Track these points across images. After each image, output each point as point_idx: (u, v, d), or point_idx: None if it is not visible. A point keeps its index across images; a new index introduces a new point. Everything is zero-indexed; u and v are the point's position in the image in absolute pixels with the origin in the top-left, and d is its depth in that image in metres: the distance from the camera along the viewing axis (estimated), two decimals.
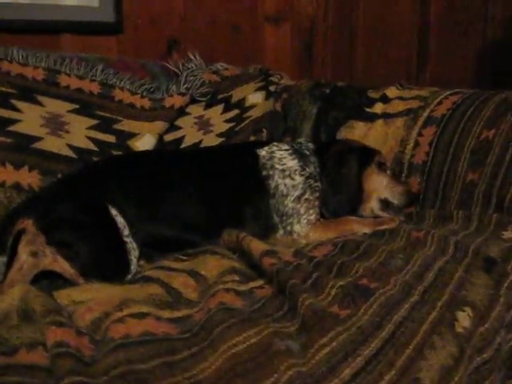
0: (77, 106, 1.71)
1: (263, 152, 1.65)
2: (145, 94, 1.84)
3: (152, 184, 1.52)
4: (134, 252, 1.45)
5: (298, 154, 1.67)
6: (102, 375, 0.94)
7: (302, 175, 1.63)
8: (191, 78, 1.97)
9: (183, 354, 0.99)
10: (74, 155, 1.66)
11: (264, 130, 2.10)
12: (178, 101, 1.89)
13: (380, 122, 1.96)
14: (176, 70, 2.01)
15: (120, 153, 1.72)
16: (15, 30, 1.93)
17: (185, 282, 1.30)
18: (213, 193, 1.59)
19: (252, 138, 2.04)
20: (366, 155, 1.69)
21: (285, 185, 1.60)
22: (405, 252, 1.40)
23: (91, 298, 1.21)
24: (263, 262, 1.32)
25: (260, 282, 1.28)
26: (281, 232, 1.62)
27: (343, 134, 2.00)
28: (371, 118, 1.97)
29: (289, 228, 1.59)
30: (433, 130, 1.82)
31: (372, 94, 2.05)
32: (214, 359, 0.97)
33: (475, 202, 1.69)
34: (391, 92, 2.01)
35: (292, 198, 1.60)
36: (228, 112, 2.03)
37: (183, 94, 1.92)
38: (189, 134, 1.91)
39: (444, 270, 1.32)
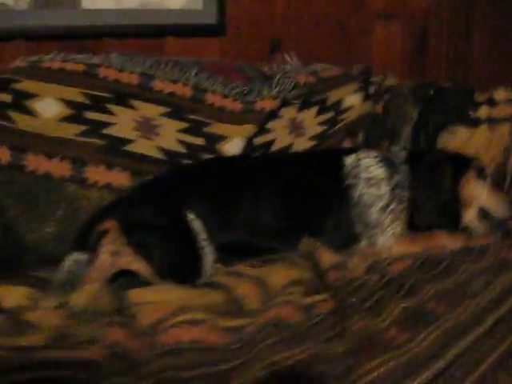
0: (168, 110, 1.75)
1: (349, 160, 1.60)
2: (237, 97, 1.85)
3: (231, 190, 1.56)
4: (209, 256, 1.49)
5: (386, 161, 1.60)
6: (148, 379, 0.97)
7: (388, 185, 1.56)
8: (284, 80, 1.95)
9: (226, 365, 1.01)
10: (163, 157, 1.72)
11: (360, 133, 2.01)
12: (268, 104, 1.88)
13: (484, 127, 1.82)
14: (271, 72, 1.97)
15: (209, 156, 1.75)
16: (120, 34, 2.03)
17: (249, 290, 1.32)
18: (293, 200, 1.58)
19: (346, 141, 1.99)
20: (462, 162, 1.60)
21: (370, 194, 1.55)
22: (488, 274, 1.34)
23: (162, 299, 1.29)
24: (328, 276, 1.32)
25: (324, 296, 1.26)
26: (363, 243, 1.56)
27: (444, 139, 1.87)
28: (475, 122, 1.84)
29: (372, 239, 1.54)
30: None
31: (478, 97, 1.90)
32: (251, 374, 0.96)
33: None
34: (499, 94, 1.86)
35: (377, 209, 1.54)
36: (322, 114, 1.97)
37: (274, 97, 1.89)
38: (279, 137, 1.89)
39: None
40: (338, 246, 1.52)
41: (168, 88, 1.81)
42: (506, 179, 1.72)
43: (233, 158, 1.77)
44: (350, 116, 2.01)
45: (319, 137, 1.96)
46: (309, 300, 1.25)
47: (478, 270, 1.36)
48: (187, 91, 1.83)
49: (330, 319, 1.16)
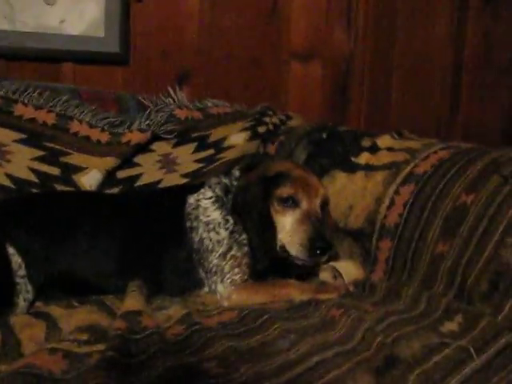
0: (24, 136, 1.68)
1: (191, 199, 1.55)
2: (106, 127, 1.77)
3: (61, 226, 1.49)
4: (25, 294, 1.42)
5: (220, 202, 1.54)
6: None
7: (226, 229, 1.50)
8: (158, 114, 1.87)
9: None
10: (12, 185, 1.66)
11: None
12: (135, 137, 1.82)
13: (361, 174, 1.77)
14: (149, 104, 1.90)
15: (64, 187, 1.68)
16: (14, 57, 2.00)
17: (33, 333, 1.23)
18: (128, 241, 1.51)
19: None
20: (273, 188, 1.49)
21: (210, 239, 1.50)
22: (302, 333, 1.25)
23: None
24: (116, 324, 1.19)
25: (103, 347, 1.15)
26: (206, 289, 1.51)
27: (325, 183, 1.75)
28: (353, 168, 1.79)
29: (213, 287, 1.49)
30: (411, 188, 1.62)
31: (364, 142, 1.84)
32: None
33: (439, 279, 1.44)
34: (383, 141, 1.81)
35: (217, 255, 1.48)
36: (201, 152, 1.94)
37: (143, 131, 1.84)
38: (148, 172, 1.85)
39: (326, 362, 1.13)
40: (180, 290, 1.49)
41: (29, 113, 1.74)
42: (374, 230, 1.67)
43: (69, 192, 1.71)
44: (230, 155, 1.95)
45: (193, 174, 1.90)
46: (86, 349, 1.12)
47: (292, 328, 1.27)
48: (50, 118, 1.78)
49: (94, 371, 1.04)
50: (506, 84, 2.14)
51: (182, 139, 1.92)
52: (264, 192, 1.46)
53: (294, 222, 1.46)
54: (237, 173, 1.60)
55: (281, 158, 1.86)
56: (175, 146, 1.91)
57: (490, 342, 1.13)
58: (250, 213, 1.45)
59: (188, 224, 1.51)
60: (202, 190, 1.56)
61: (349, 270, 1.58)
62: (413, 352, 1.12)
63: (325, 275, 1.60)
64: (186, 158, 1.91)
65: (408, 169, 1.66)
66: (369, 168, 1.76)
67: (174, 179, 1.86)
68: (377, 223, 1.65)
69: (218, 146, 1.96)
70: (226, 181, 1.58)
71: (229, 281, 1.47)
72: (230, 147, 1.96)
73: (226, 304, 1.44)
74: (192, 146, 1.94)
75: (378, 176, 1.72)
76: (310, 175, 1.55)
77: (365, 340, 1.19)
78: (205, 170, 1.90)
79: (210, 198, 1.54)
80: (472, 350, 1.11)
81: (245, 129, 1.99)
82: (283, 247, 1.47)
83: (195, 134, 1.94)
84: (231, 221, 1.51)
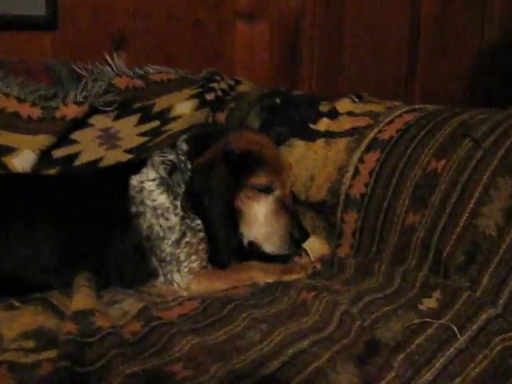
0: None
1: (134, 181, 1.42)
2: (37, 101, 1.62)
3: None
4: None
5: (165, 184, 1.43)
6: None
7: (176, 214, 1.40)
8: (95, 84, 1.74)
9: None
10: None
11: None
12: (71, 111, 1.67)
13: (321, 141, 1.70)
14: (84, 73, 1.76)
15: None
16: None
17: None
18: (69, 229, 1.38)
19: None
20: (245, 172, 1.38)
21: (160, 226, 1.40)
22: (270, 323, 1.17)
23: None
24: (65, 326, 1.07)
25: (53, 354, 1.02)
26: (161, 279, 1.42)
27: (283, 153, 1.65)
28: (313, 136, 1.72)
29: (169, 277, 1.40)
30: (376, 155, 1.56)
31: (322, 107, 1.77)
32: None
33: (412, 252, 1.40)
34: (342, 105, 1.74)
35: (170, 242, 1.39)
36: (145, 124, 1.81)
37: (79, 104, 1.69)
38: (87, 149, 1.71)
39: (303, 353, 1.06)
40: (134, 281, 1.40)
41: None
42: (339, 201, 1.61)
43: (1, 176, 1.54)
44: (177, 126, 1.84)
45: (137, 149, 1.77)
46: (32, 359, 1.00)
47: (265, 315, 1.20)
48: None
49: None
50: (466, 38, 2.07)
51: (123, 111, 1.80)
52: (230, 176, 1.35)
53: (270, 213, 1.39)
54: (183, 146, 1.47)
55: (238, 129, 1.75)
56: (116, 118, 1.79)
57: (472, 318, 1.11)
58: (213, 200, 1.34)
59: (133, 209, 1.40)
60: (144, 170, 1.44)
61: (313, 246, 1.50)
62: (394, 335, 1.09)
63: None
64: (129, 131, 1.79)
65: (372, 134, 1.60)
66: (329, 135, 1.69)
67: (116, 156, 1.74)
68: (341, 194, 1.59)
69: (164, 117, 1.84)
70: (171, 156, 1.46)
71: (186, 269, 1.39)
72: (176, 117, 1.86)
73: (185, 294, 1.36)
74: (135, 117, 1.81)
75: (340, 143, 1.66)
76: (280, 153, 1.47)
77: (342, 325, 1.13)
78: (150, 144, 1.79)
79: (154, 179, 1.43)
80: (455, 328, 1.09)
81: (191, 96, 1.90)
82: (252, 242, 1.40)
83: (138, 105, 1.82)
84: (180, 206, 1.41)
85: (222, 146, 1.39)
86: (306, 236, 1.39)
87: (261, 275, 1.39)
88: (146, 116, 1.82)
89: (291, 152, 1.73)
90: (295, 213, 1.42)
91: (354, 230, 1.55)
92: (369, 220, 1.52)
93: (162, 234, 1.39)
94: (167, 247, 1.39)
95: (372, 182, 1.54)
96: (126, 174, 1.44)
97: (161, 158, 1.45)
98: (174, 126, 1.83)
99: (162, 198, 1.41)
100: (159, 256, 1.40)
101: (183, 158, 1.44)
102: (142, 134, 1.81)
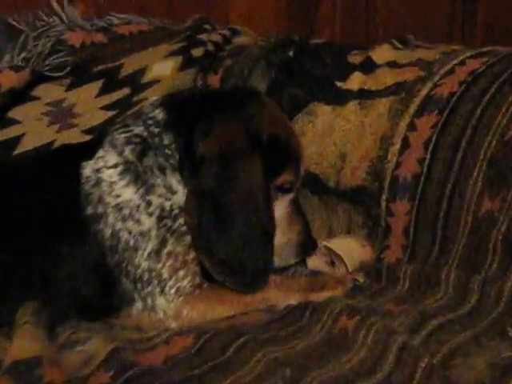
0: None
1: (88, 170, 1.35)
2: None
3: None
4: None
5: (133, 171, 1.35)
6: None
7: (150, 214, 1.33)
8: (39, 41, 1.70)
9: None
10: None
11: None
12: (6, 79, 1.63)
13: (353, 105, 1.68)
14: (24, 28, 1.72)
15: None
16: None
17: None
18: (5, 243, 1.33)
19: None
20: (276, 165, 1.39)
21: (129, 232, 1.33)
22: (301, 363, 1.09)
23: None
24: None
25: None
26: (139, 306, 1.35)
27: (300, 124, 1.73)
28: (342, 98, 1.70)
29: (149, 301, 1.33)
30: (432, 119, 1.51)
31: (353, 58, 1.75)
32: None
33: (491, 252, 1.33)
34: (381, 54, 1.71)
35: (145, 254, 1.33)
36: (110, 93, 1.78)
37: (18, 69, 1.66)
38: (32, 131, 1.67)
39: None
40: (98, 313, 1.34)
41: None
42: (383, 187, 1.56)
43: None
44: (154, 94, 1.73)
45: (102, 129, 1.67)
46: None
47: (284, 357, 1.10)
48: None
49: None
50: None
51: (78, 77, 1.76)
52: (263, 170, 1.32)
53: (284, 218, 1.42)
54: (158, 113, 1.39)
55: (240, 89, 1.67)
56: (70, 87, 1.74)
57: None
58: (241, 204, 1.30)
59: (89, 210, 1.33)
60: (101, 153, 1.36)
61: (350, 249, 1.49)
62: (477, 375, 1.01)
63: (315, 262, 1.51)
64: (88, 104, 1.75)
65: (424, 91, 1.56)
66: (365, 95, 1.67)
67: (72, 138, 1.67)
68: (385, 177, 1.55)
69: (136, 83, 1.80)
70: (138, 130, 1.38)
71: (173, 290, 1.33)
72: (152, 83, 1.82)
73: (173, 325, 1.31)
74: (95, 85, 1.77)
75: (380, 106, 1.62)
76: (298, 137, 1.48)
77: (402, 364, 1.04)
78: (119, 120, 1.67)
79: (115, 166, 1.35)
80: None
81: (172, 53, 1.85)
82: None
83: (99, 68, 1.78)
84: (155, 201, 1.33)
85: (241, 122, 1.35)
86: (315, 246, 1.45)
87: (280, 295, 1.35)
88: (111, 82, 1.78)
89: (313, 122, 1.71)
90: (306, 216, 1.46)
91: (406, 225, 1.50)
92: (426, 210, 1.48)
93: (132, 242, 1.32)
94: (142, 261, 1.32)
95: (428, 158, 1.49)
96: (75, 160, 1.37)
97: (124, 135, 1.37)
98: (151, 94, 1.75)
99: (128, 193, 1.34)
100: (133, 274, 1.33)
101: (157, 129, 1.36)
102: (107, 108, 1.77)
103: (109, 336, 1.24)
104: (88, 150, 1.38)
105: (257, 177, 1.32)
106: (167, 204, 1.34)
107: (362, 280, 1.40)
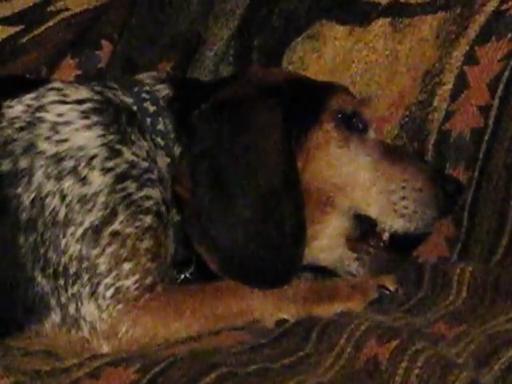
0: None
1: (17, 108, 1.37)
2: None
3: None
4: None
5: (110, 112, 1.40)
6: None
7: (107, 170, 1.35)
8: None
9: None
10: None
11: None
12: None
13: (382, 24, 1.69)
14: None
15: None
16: None
17: None
18: None
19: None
20: (307, 98, 1.45)
21: (62, 197, 1.33)
22: None
23: None
24: None
25: None
26: (56, 317, 1.32)
27: (299, 54, 1.78)
28: (364, 14, 1.72)
29: (72, 310, 1.31)
30: (503, 49, 1.53)
31: None
32: None
33: None
34: None
35: (79, 232, 1.32)
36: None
37: None
38: None
39: None
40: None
41: None
42: (426, 147, 1.58)
43: None
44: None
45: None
46: None
47: None
48: None
49: None
50: None
51: None
52: (289, 109, 1.40)
53: (383, 158, 1.45)
54: (163, 90, 1.49)
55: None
56: None
57: None
58: (258, 163, 1.36)
59: (5, 165, 1.35)
60: (56, 85, 1.42)
61: None
62: None
63: None
64: None
65: (492, 4, 1.57)
66: (398, 12, 1.70)
67: None
68: (430, 131, 1.58)
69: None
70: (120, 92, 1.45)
71: (110, 292, 1.31)
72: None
73: (105, 348, 1.30)
74: None
75: (424, 26, 1.66)
76: None
77: None
78: (23, 40, 1.75)
79: (81, 101, 1.40)
80: None
81: None
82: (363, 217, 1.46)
83: None
84: (125, 155, 1.36)
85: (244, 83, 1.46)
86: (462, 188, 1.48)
87: (268, 306, 1.34)
88: None
89: (319, 51, 1.76)
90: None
91: (459, 206, 1.50)
92: (491, 184, 1.49)
93: (62, 213, 1.33)
94: (72, 243, 1.32)
95: (496, 105, 1.49)
96: None
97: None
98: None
99: (84, 136, 1.37)
100: (53, 264, 1.32)
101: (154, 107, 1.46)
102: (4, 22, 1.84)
103: (3, 366, 1.20)
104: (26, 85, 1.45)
105: (273, 128, 1.37)
106: (142, 164, 1.37)
107: (392, 287, 1.37)
